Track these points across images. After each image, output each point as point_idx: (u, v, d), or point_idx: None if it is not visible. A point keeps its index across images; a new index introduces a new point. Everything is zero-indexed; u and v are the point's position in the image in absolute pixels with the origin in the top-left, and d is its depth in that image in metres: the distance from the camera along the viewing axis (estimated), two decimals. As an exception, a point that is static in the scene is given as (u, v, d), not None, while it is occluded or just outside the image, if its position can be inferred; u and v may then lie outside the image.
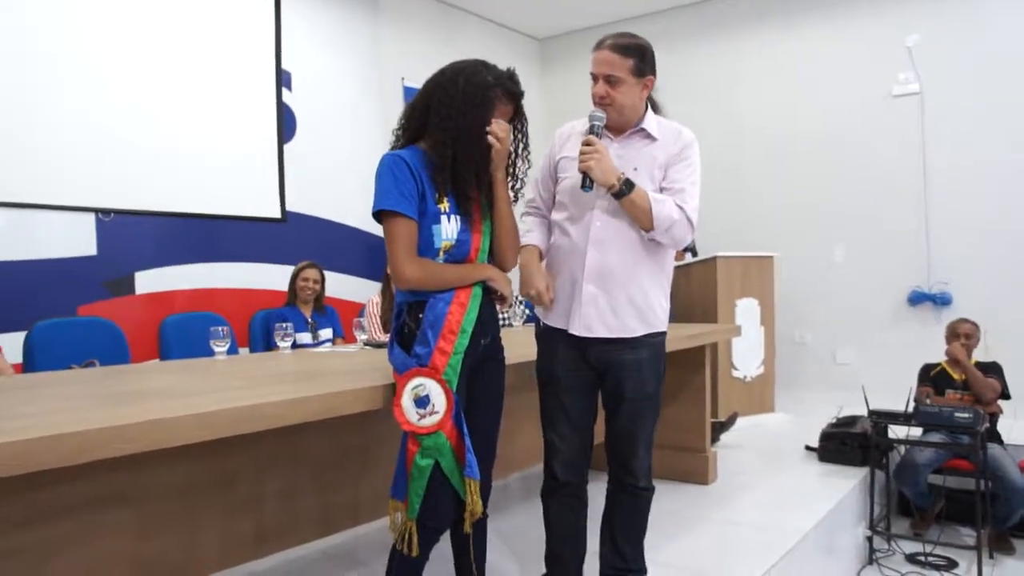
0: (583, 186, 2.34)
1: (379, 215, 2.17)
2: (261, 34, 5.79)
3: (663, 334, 2.53)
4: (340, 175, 6.16)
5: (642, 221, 2.37)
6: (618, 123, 2.45)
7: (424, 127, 2.22)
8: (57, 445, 1.44)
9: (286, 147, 5.89)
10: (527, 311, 4.88)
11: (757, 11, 7.35)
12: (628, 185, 2.32)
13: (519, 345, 2.72)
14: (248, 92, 5.68)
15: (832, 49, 6.98)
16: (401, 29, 6.88)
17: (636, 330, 2.45)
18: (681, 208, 2.38)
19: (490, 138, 2.19)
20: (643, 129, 2.46)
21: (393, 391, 2.11)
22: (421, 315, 2.15)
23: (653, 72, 2.45)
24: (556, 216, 2.55)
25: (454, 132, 2.15)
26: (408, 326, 2.18)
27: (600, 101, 2.40)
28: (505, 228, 2.32)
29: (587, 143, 2.33)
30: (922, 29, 6.54)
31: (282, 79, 5.88)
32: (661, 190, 2.42)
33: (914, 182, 6.59)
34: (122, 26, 4.92)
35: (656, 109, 2.54)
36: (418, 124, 2.25)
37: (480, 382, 2.29)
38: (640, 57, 2.40)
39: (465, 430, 2.12)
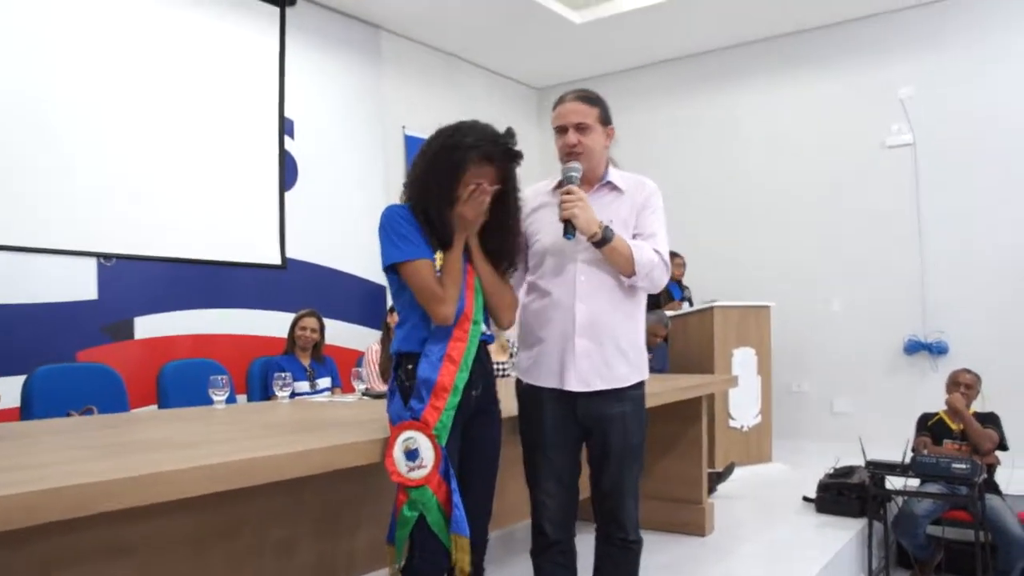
0: (565, 234, 2.33)
1: (393, 267, 2.20)
2: (265, 82, 5.88)
3: (644, 383, 2.57)
4: (341, 222, 6.21)
5: (624, 267, 2.40)
6: (587, 176, 2.48)
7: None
8: (61, 498, 1.45)
9: (287, 194, 5.95)
10: None
11: (754, 63, 7.49)
12: (609, 232, 2.35)
13: (514, 397, 2.70)
14: (251, 139, 5.76)
15: (827, 100, 7.10)
16: (402, 78, 6.99)
17: (629, 378, 2.49)
18: (657, 252, 2.45)
19: (459, 205, 2.17)
20: (610, 182, 2.52)
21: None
22: (411, 367, 2.17)
23: (612, 123, 2.54)
24: (531, 277, 2.55)
25: (423, 196, 2.20)
26: (400, 377, 2.20)
27: (572, 150, 2.43)
28: (488, 288, 2.32)
29: (568, 192, 2.34)
30: (914, 81, 6.66)
31: (285, 127, 5.96)
32: (634, 237, 2.47)
33: (909, 232, 6.66)
34: (125, 71, 5.00)
35: (614, 164, 2.60)
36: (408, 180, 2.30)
37: (474, 435, 2.29)
38: (603, 107, 2.51)
39: (454, 486, 2.12)
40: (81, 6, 4.79)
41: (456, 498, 2.12)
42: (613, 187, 2.52)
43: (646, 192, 2.54)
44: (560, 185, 2.48)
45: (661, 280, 2.48)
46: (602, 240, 2.34)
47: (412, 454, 2.08)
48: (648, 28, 7.07)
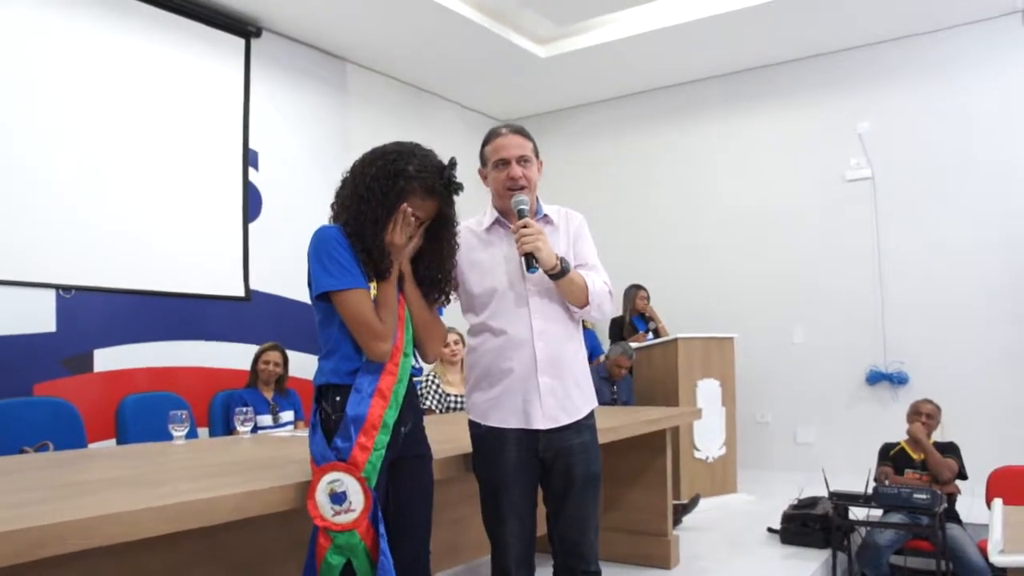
0: (529, 268, 2.33)
1: (325, 296, 2.08)
2: (229, 113, 5.85)
3: (594, 411, 2.59)
4: (305, 254, 6.14)
5: (578, 298, 2.43)
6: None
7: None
8: (15, 540, 1.42)
9: (251, 226, 5.91)
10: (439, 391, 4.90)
11: (716, 97, 7.60)
12: (566, 264, 2.37)
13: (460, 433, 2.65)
14: (215, 170, 5.72)
15: (787, 135, 7.22)
16: (368, 109, 7.00)
17: (584, 410, 2.52)
18: (605, 283, 2.49)
19: (387, 234, 2.09)
20: (546, 215, 2.55)
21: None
22: (338, 399, 2.06)
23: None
24: (477, 319, 2.51)
25: (358, 222, 2.08)
26: (325, 411, 2.07)
27: (516, 182, 2.44)
28: (418, 320, 2.22)
29: (525, 225, 2.33)
30: (872, 117, 6.80)
31: (249, 158, 5.93)
32: (576, 268, 2.49)
33: (869, 263, 6.76)
34: (87, 101, 4.95)
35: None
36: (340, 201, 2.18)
37: (405, 476, 2.19)
38: (535, 141, 2.54)
39: (382, 531, 2.00)
40: (39, 38, 4.75)
41: (384, 544, 2.00)
42: (548, 220, 2.55)
43: (576, 223, 2.59)
44: (496, 222, 2.52)
45: (609, 309, 2.53)
46: (561, 272, 2.36)
47: (338, 497, 1.96)
48: (612, 63, 7.16)
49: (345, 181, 2.18)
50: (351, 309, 2.05)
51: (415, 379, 2.26)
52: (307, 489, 1.98)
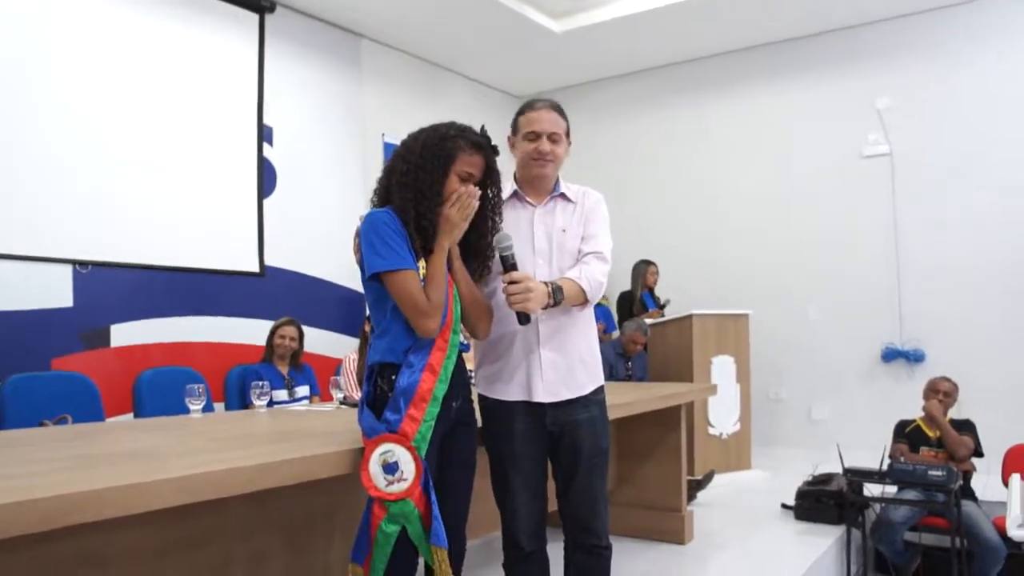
0: (521, 323, 2.33)
1: (376, 276, 2.14)
2: (244, 88, 5.85)
3: (603, 387, 2.60)
4: (319, 230, 6.18)
5: (578, 304, 2.46)
6: (544, 184, 2.55)
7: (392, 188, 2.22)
8: (35, 509, 1.43)
9: (266, 201, 5.92)
10: None
11: (732, 72, 7.53)
12: (559, 294, 2.35)
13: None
14: (229, 146, 5.72)
15: (804, 111, 7.15)
16: (383, 86, 6.98)
17: (587, 387, 2.52)
18: (597, 256, 2.50)
19: (446, 207, 2.17)
20: (563, 194, 2.58)
21: (362, 455, 2.08)
22: (394, 377, 2.13)
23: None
24: (485, 290, 2.48)
25: (414, 189, 2.16)
26: (380, 388, 2.15)
27: (543, 157, 2.48)
28: (466, 297, 2.30)
29: (511, 281, 2.27)
30: (891, 92, 6.72)
31: (263, 134, 5.93)
32: (582, 240, 2.53)
33: (885, 241, 6.72)
34: (102, 78, 4.96)
35: None
36: (387, 185, 2.25)
37: (453, 446, 2.26)
38: (568, 121, 2.56)
39: (433, 498, 2.08)
40: (54, 14, 4.74)
41: (436, 510, 2.08)
42: (566, 198, 2.58)
43: (592, 200, 2.61)
44: (514, 195, 2.54)
45: (603, 287, 2.52)
46: (556, 302, 2.35)
47: (391, 467, 2.03)
48: (628, 38, 7.10)
49: (393, 166, 2.25)
50: (399, 288, 2.12)
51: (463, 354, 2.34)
52: (360, 461, 2.05)
